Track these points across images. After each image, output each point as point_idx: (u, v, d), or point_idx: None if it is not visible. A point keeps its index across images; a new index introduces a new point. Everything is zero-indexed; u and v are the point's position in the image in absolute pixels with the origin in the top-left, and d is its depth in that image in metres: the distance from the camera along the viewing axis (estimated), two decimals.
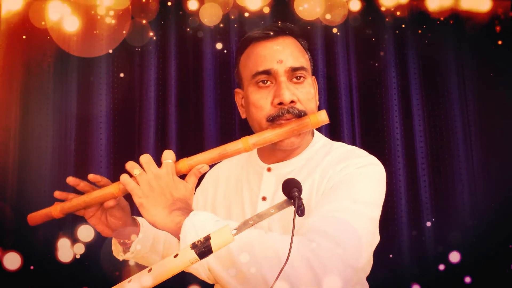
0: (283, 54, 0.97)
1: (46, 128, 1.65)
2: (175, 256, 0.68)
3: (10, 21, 1.59)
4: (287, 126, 0.94)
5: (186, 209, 0.83)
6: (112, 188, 0.92)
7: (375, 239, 0.96)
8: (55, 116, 1.66)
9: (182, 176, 0.90)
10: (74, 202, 0.94)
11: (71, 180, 0.95)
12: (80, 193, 0.96)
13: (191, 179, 0.89)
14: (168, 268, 0.68)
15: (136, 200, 0.84)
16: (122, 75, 1.69)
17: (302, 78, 0.98)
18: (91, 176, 0.94)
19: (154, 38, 1.69)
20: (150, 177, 0.85)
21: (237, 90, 1.09)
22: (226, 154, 0.93)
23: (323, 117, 0.94)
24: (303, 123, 0.94)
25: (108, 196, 0.92)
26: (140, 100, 1.69)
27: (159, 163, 0.89)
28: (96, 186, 0.96)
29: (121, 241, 1.02)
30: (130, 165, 0.89)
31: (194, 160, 0.92)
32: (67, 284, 1.50)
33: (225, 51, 1.70)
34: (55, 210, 0.95)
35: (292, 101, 0.95)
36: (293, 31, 1.02)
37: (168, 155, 0.90)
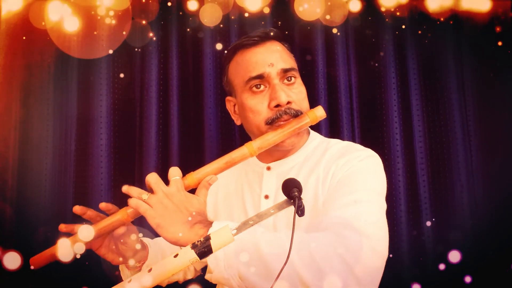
0: (273, 57, 0.99)
1: (46, 128, 1.65)
2: (175, 256, 0.68)
3: (10, 22, 1.59)
4: (288, 126, 0.96)
5: (206, 221, 0.82)
6: (120, 215, 0.88)
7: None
8: (55, 116, 1.66)
9: (191, 191, 0.88)
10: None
11: (78, 209, 0.90)
12: (86, 221, 0.91)
13: (202, 192, 0.88)
14: (168, 268, 0.68)
15: (152, 221, 0.81)
16: (122, 75, 1.69)
17: (293, 79, 1.01)
18: (103, 205, 0.90)
19: (154, 38, 1.69)
20: (160, 196, 0.83)
21: (228, 98, 1.11)
22: (233, 162, 0.93)
23: (320, 113, 0.97)
24: (302, 120, 0.97)
25: (117, 224, 0.88)
26: (141, 101, 1.69)
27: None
28: (105, 214, 0.92)
29: (132, 266, 1.01)
30: (137, 192, 0.85)
31: (201, 173, 0.91)
32: (67, 284, 1.50)
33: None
34: None
35: (288, 102, 0.97)
36: (277, 36, 1.05)
37: (175, 172, 0.88)
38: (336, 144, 1.06)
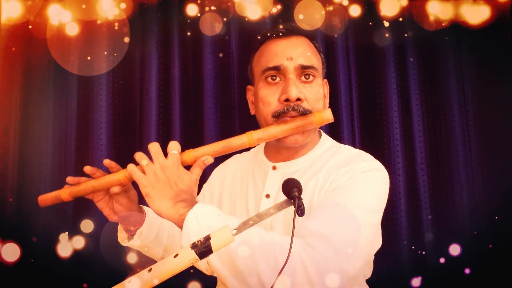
0: (294, 52, 0.98)
1: (46, 129, 1.65)
2: (175, 256, 0.68)
3: (11, 25, 1.59)
4: (292, 123, 0.95)
5: (191, 200, 0.84)
6: (119, 175, 0.94)
7: (375, 245, 0.96)
8: (55, 117, 1.66)
9: (187, 167, 0.91)
10: (82, 186, 0.96)
11: (88, 169, 0.96)
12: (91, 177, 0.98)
13: (196, 171, 0.91)
14: (168, 268, 0.68)
15: (142, 190, 0.86)
16: (122, 75, 1.69)
17: (311, 77, 0.99)
18: (106, 162, 0.96)
19: (155, 40, 1.69)
20: (156, 167, 0.87)
21: (249, 87, 1.11)
22: (231, 147, 0.94)
23: (328, 115, 0.94)
24: (308, 120, 0.94)
25: (114, 182, 0.94)
26: (141, 101, 1.69)
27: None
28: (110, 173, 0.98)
29: (127, 228, 1.04)
30: (139, 156, 0.90)
31: (199, 152, 0.93)
32: (68, 282, 1.50)
33: (225, 55, 1.70)
34: (65, 193, 0.98)
35: (298, 99, 0.95)
36: (306, 33, 1.04)
37: (174, 146, 0.91)
38: (345, 151, 1.02)
